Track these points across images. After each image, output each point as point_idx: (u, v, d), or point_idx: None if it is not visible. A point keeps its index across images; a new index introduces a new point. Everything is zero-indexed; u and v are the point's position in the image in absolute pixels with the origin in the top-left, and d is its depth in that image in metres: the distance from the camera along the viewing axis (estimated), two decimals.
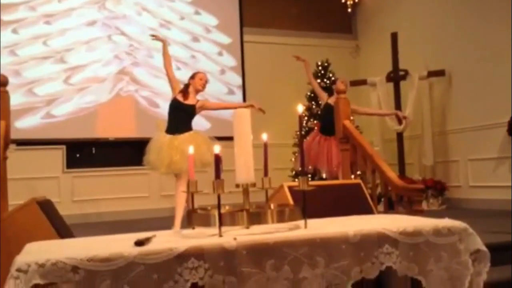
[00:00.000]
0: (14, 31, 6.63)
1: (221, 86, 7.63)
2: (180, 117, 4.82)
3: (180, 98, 4.86)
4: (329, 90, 7.01)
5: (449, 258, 1.78)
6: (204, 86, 4.96)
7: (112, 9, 7.16)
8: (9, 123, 2.75)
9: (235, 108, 5.51)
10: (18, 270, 1.37)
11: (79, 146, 6.84)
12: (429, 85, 6.95)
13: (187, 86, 4.93)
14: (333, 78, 7.04)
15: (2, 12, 6.55)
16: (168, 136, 4.73)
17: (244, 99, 7.53)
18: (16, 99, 5.94)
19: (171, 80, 4.98)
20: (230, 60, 7.74)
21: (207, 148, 4.43)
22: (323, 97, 5.90)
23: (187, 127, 4.81)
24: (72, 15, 6.91)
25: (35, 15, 6.75)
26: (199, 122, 7.36)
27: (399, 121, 6.64)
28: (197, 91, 4.94)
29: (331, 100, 5.57)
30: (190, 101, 4.88)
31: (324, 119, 5.60)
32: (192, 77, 4.98)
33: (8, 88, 3.03)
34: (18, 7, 6.67)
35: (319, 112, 6.96)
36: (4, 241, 2.08)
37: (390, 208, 3.17)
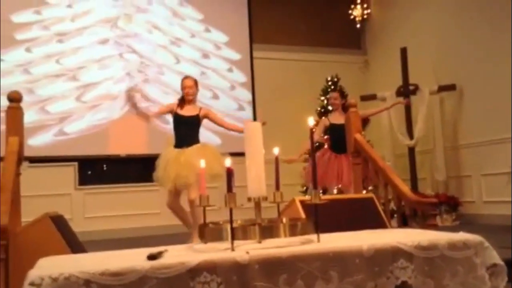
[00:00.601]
0: (28, 49, 6.74)
1: (231, 102, 7.67)
2: (184, 130, 4.64)
3: (179, 111, 4.68)
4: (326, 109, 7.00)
5: (465, 272, 1.75)
6: (189, 94, 4.69)
7: (123, 28, 7.26)
8: (23, 139, 2.78)
9: (239, 131, 4.88)
10: (32, 284, 1.37)
11: (91, 163, 6.89)
12: (440, 100, 6.92)
13: (182, 96, 4.76)
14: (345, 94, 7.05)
15: (16, 31, 6.67)
16: (176, 151, 4.59)
17: (254, 115, 7.55)
18: (29, 117, 6.01)
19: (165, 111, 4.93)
20: (240, 76, 7.79)
21: (216, 160, 4.28)
22: (326, 123, 5.64)
23: (194, 140, 4.63)
24: (85, 33, 7.02)
25: (48, 34, 6.86)
26: (208, 136, 7.41)
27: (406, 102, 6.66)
28: (188, 102, 4.70)
29: (333, 119, 5.53)
30: (191, 111, 4.67)
31: (333, 138, 5.49)
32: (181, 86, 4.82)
33: (22, 105, 3.07)
34: (32, 26, 6.79)
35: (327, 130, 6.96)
36: (17, 256, 2.09)
37: (404, 223, 3.14)
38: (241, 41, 7.81)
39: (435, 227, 2.64)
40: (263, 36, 7.88)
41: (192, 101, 4.73)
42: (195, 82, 4.81)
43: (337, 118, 5.41)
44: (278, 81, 7.78)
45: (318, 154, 5.56)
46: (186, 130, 4.63)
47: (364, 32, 8.52)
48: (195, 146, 4.57)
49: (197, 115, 4.67)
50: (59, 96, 6.78)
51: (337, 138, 5.14)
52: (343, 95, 5.69)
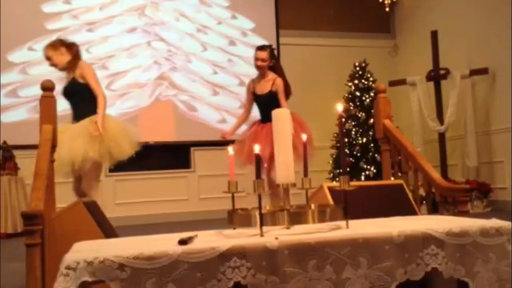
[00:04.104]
0: None
1: None
2: (71, 102, 3.97)
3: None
4: (368, 90, 6.91)
5: (497, 259, 1.73)
6: (54, 65, 4.01)
7: (151, 16, 7.31)
8: (55, 127, 2.85)
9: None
10: (68, 267, 1.41)
11: None
12: (472, 84, 6.75)
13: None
14: (371, 78, 6.96)
15: (46, 21, 6.80)
16: (63, 125, 3.80)
17: None
18: (61, 105, 6.13)
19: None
20: None
21: (88, 143, 3.65)
22: (251, 90, 4.60)
23: (82, 111, 3.88)
24: (113, 22, 7.11)
25: (77, 24, 6.97)
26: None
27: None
28: (65, 71, 4.03)
29: (257, 88, 4.50)
30: (68, 79, 3.99)
31: (259, 107, 4.56)
32: None
33: (54, 94, 3.14)
34: (62, 16, 6.91)
35: (356, 114, 6.89)
36: (52, 241, 2.16)
37: (434, 210, 3.10)
38: (267, 27, 7.77)
39: (466, 213, 2.60)
40: (289, 22, 7.81)
41: (67, 69, 4.01)
42: (53, 47, 4.05)
43: (261, 87, 4.49)
44: (305, 67, 7.71)
45: (247, 128, 4.64)
46: (72, 102, 3.97)
47: (393, 16, 8.36)
48: (81, 123, 3.85)
49: (72, 79, 3.94)
50: None
51: (263, 108, 4.43)
52: (273, 53, 4.52)
